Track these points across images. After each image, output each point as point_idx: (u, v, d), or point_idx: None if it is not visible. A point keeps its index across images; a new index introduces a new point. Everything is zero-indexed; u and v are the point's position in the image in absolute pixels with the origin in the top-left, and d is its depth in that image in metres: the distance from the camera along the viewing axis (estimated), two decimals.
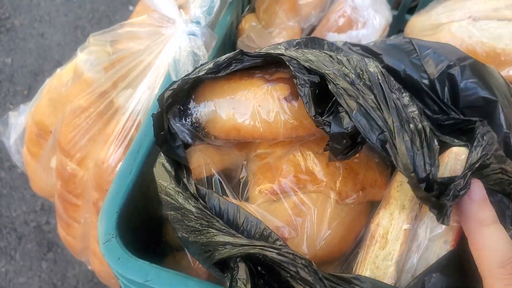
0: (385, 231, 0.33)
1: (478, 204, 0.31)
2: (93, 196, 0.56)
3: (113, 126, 0.54)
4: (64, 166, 0.58)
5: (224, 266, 0.33)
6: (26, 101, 0.71)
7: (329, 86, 0.33)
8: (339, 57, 0.36)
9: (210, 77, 0.37)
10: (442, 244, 0.33)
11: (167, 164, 0.38)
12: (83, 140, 0.56)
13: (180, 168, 0.38)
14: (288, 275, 0.30)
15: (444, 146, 0.34)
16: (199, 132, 0.39)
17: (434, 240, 0.33)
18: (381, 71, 0.35)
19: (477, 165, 0.31)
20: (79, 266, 1.08)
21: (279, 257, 0.30)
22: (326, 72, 0.34)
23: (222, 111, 0.38)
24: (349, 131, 0.32)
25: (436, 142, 0.32)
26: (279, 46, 0.39)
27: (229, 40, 0.64)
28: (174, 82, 0.37)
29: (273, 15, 0.63)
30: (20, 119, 0.68)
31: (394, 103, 0.32)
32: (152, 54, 0.52)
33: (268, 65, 0.38)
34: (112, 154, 0.53)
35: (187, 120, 0.38)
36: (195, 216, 0.34)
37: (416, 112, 0.32)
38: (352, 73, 0.34)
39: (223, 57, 0.37)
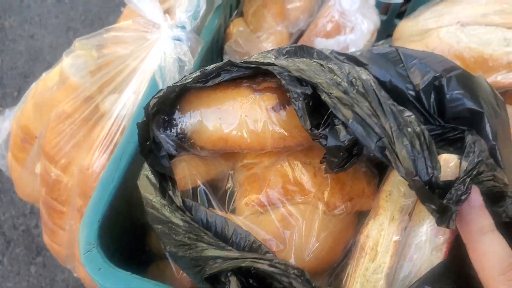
0: (375, 242, 0.33)
1: (477, 211, 0.31)
2: (78, 202, 0.56)
3: (98, 131, 0.54)
4: (49, 172, 0.57)
5: (215, 280, 0.33)
6: (16, 103, 0.69)
7: (322, 97, 0.32)
8: (330, 65, 0.36)
9: (197, 86, 0.36)
10: (434, 253, 0.32)
11: (151, 176, 0.38)
12: (67, 146, 0.56)
13: (165, 179, 0.38)
14: (281, 286, 0.30)
15: None
16: (185, 142, 0.38)
17: (426, 250, 0.33)
18: (373, 79, 0.35)
19: (474, 172, 0.31)
20: (68, 270, 1.06)
21: (271, 269, 0.30)
22: (318, 81, 0.33)
23: (208, 122, 0.37)
24: (346, 144, 0.32)
25: (434, 145, 0.31)
26: (268, 55, 0.38)
27: (216, 45, 0.63)
28: (160, 90, 0.36)
29: (262, 20, 0.63)
30: (5, 123, 0.67)
31: (390, 108, 0.32)
32: (137, 59, 0.52)
33: (256, 73, 0.38)
34: (96, 160, 0.53)
35: (172, 131, 0.38)
36: (183, 230, 0.34)
37: (413, 116, 0.32)
38: (345, 81, 0.33)
39: (211, 66, 0.37)
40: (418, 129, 0.31)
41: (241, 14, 0.67)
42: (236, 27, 0.63)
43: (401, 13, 0.77)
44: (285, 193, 0.37)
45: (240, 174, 0.41)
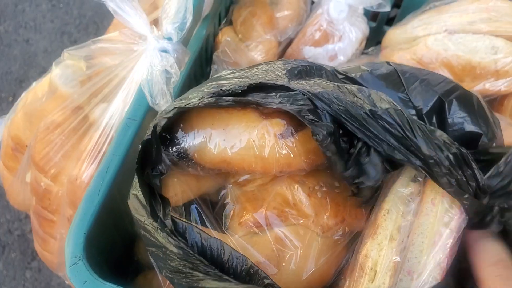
0: (374, 263, 0.33)
1: None
2: (68, 212, 0.56)
3: (86, 142, 0.54)
4: (39, 182, 0.57)
5: None
6: (11, 108, 0.69)
7: (356, 132, 0.33)
8: (348, 87, 0.35)
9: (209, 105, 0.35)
10: (434, 268, 0.33)
11: (141, 196, 0.37)
12: (57, 156, 0.56)
13: (154, 199, 0.37)
14: None
15: None
16: (185, 162, 0.37)
17: (425, 266, 0.33)
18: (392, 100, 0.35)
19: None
20: (63, 275, 1.07)
21: None
22: (344, 111, 0.33)
23: (212, 143, 0.36)
24: (379, 183, 0.33)
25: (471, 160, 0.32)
26: (279, 74, 0.37)
27: (205, 54, 0.63)
28: (169, 110, 0.35)
29: (250, 28, 0.63)
30: None
31: (419, 128, 0.32)
32: (125, 70, 0.52)
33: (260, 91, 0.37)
34: (85, 171, 0.53)
35: (173, 149, 0.37)
36: (177, 257, 0.33)
37: (445, 135, 0.32)
38: (367, 103, 0.33)
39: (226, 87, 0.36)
40: (453, 149, 0.31)
41: (230, 23, 0.67)
42: (225, 36, 0.63)
43: (391, 19, 0.77)
44: (281, 214, 0.37)
45: (234, 191, 0.40)
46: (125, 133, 0.45)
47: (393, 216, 0.34)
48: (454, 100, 0.40)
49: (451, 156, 0.31)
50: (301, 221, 0.36)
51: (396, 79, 0.42)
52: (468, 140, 0.39)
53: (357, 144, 0.34)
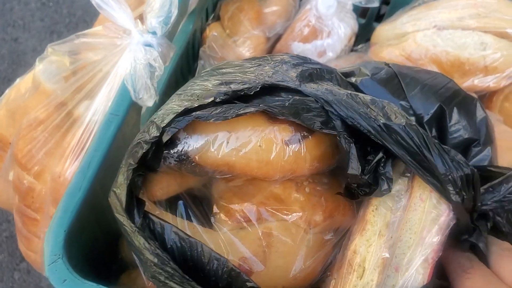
0: (362, 259, 0.32)
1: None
2: (51, 210, 0.55)
3: (69, 138, 0.53)
4: (21, 180, 0.56)
5: None
6: None
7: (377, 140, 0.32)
8: (361, 97, 0.34)
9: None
10: (421, 263, 0.32)
11: (120, 195, 0.35)
12: (40, 153, 0.55)
13: (135, 200, 0.35)
14: None
15: None
16: (184, 163, 0.35)
17: (413, 261, 0.32)
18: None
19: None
20: None
21: None
22: (358, 123, 0.32)
23: (216, 146, 0.34)
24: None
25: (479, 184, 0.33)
26: (289, 75, 0.36)
27: (192, 49, 0.63)
28: (180, 119, 0.33)
29: (238, 24, 0.62)
30: None
31: (436, 147, 0.32)
32: (108, 64, 0.51)
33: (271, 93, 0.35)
34: (68, 168, 0.52)
35: (173, 151, 0.35)
36: (154, 265, 0.32)
37: (459, 156, 0.32)
38: (381, 115, 0.32)
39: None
40: (467, 170, 0.31)
41: (218, 18, 0.66)
42: (213, 31, 0.63)
43: (381, 16, 0.77)
44: (268, 209, 0.36)
45: (220, 185, 0.39)
46: (107, 128, 0.44)
47: (382, 212, 0.33)
48: (455, 107, 0.41)
49: (464, 177, 0.31)
50: (289, 217, 0.36)
51: (396, 84, 0.42)
52: (465, 145, 0.40)
53: (377, 152, 0.33)
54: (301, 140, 0.34)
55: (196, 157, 0.34)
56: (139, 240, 0.33)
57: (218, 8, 0.66)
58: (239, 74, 0.35)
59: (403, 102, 0.40)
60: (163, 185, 0.37)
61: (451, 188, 0.31)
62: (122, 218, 0.35)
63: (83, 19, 1.54)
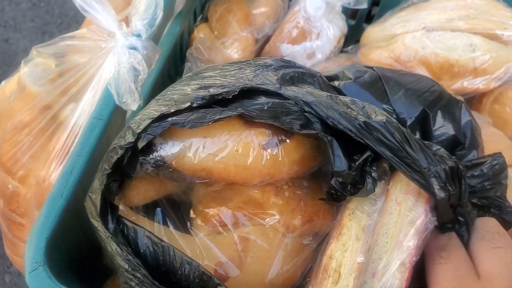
0: (338, 264, 0.31)
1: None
2: (36, 215, 0.54)
3: (54, 142, 0.52)
4: (6, 184, 0.56)
5: None
6: None
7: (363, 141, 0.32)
8: (341, 98, 0.34)
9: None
10: (398, 268, 0.32)
11: (95, 199, 0.35)
12: (25, 157, 0.54)
13: (109, 206, 0.35)
14: None
15: None
16: (161, 169, 0.35)
17: (390, 266, 0.32)
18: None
19: None
20: None
21: None
22: (338, 122, 0.32)
23: (193, 152, 0.34)
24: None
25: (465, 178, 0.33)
26: (270, 78, 0.36)
27: (180, 51, 0.62)
28: (156, 125, 0.32)
29: (226, 25, 0.62)
30: None
31: (417, 142, 0.31)
32: (93, 67, 0.50)
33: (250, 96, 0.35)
34: (53, 172, 0.51)
35: (149, 157, 0.34)
36: (125, 271, 0.32)
37: (442, 149, 0.32)
38: (361, 114, 0.32)
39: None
40: (451, 163, 0.31)
41: (206, 20, 0.66)
42: (201, 33, 0.62)
43: (372, 17, 0.77)
44: (246, 214, 0.36)
45: (198, 190, 0.39)
46: (90, 133, 0.44)
47: (358, 215, 0.33)
48: (439, 111, 0.40)
49: (448, 170, 0.31)
50: (266, 221, 0.35)
51: (380, 88, 0.41)
52: (450, 149, 0.39)
53: (362, 152, 0.33)
54: (278, 144, 0.34)
55: (173, 163, 0.34)
56: (111, 246, 0.33)
57: (206, 9, 0.66)
58: (219, 78, 0.35)
59: (386, 106, 0.40)
60: (140, 191, 0.37)
61: (435, 183, 0.31)
62: (96, 223, 0.34)
63: (75, 19, 1.53)
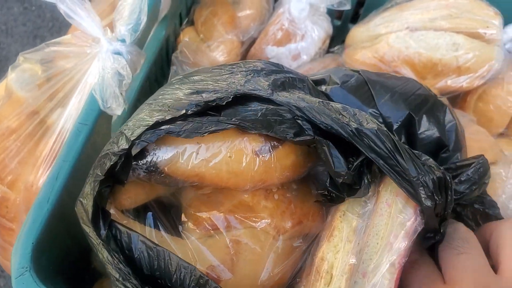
0: (330, 265, 0.32)
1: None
2: (25, 220, 0.55)
3: (42, 147, 0.52)
4: None
5: None
6: None
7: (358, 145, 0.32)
8: (333, 104, 0.35)
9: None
10: (388, 268, 0.32)
11: (86, 205, 0.35)
12: (13, 163, 0.54)
13: (101, 212, 0.35)
14: None
15: None
16: (153, 175, 0.35)
17: (380, 267, 0.32)
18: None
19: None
20: None
21: None
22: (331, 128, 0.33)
23: (185, 157, 0.34)
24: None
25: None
26: (261, 84, 0.36)
27: (166, 55, 0.63)
28: (151, 132, 0.32)
29: (212, 28, 0.62)
30: None
31: (407, 152, 0.32)
32: (79, 73, 0.51)
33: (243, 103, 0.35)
34: (41, 177, 0.52)
35: (141, 162, 0.34)
36: (116, 280, 0.32)
37: (431, 160, 0.33)
38: (353, 121, 0.33)
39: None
40: (439, 173, 0.32)
41: (192, 23, 0.66)
42: (187, 36, 0.63)
43: (358, 17, 0.77)
44: (237, 217, 0.36)
45: (188, 192, 0.39)
46: (76, 138, 0.44)
47: (349, 217, 0.33)
48: (424, 115, 0.41)
49: (436, 180, 0.32)
50: (257, 224, 0.36)
51: (366, 92, 0.42)
52: (434, 152, 0.41)
53: (357, 156, 0.34)
54: (271, 150, 0.34)
55: (166, 168, 0.34)
56: (103, 254, 0.33)
57: (192, 13, 0.66)
58: (210, 82, 0.35)
59: (372, 110, 0.40)
60: (131, 194, 0.37)
61: (422, 192, 0.31)
62: (88, 229, 0.35)
63: (66, 23, 1.51)
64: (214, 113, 0.33)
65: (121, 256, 0.33)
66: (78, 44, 0.50)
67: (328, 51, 0.71)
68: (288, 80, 0.38)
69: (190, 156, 0.34)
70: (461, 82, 0.61)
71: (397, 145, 0.32)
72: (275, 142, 0.35)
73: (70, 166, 0.43)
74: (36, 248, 0.40)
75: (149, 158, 0.34)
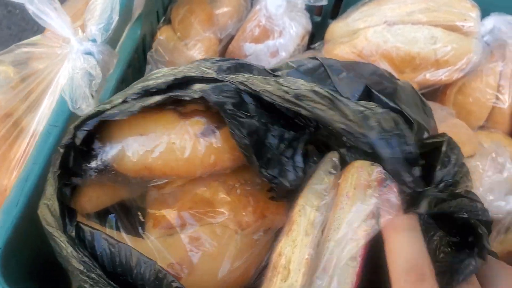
0: (288, 260, 0.31)
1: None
2: None
3: (15, 150, 0.52)
4: None
5: None
6: None
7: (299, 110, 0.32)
8: (274, 78, 0.35)
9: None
10: (349, 262, 0.32)
11: (52, 206, 0.35)
12: None
13: (66, 209, 0.36)
14: None
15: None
16: (105, 174, 0.35)
17: (341, 260, 0.32)
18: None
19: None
20: None
21: None
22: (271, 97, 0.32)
23: (131, 151, 0.34)
24: (294, 187, 0.33)
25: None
26: (209, 71, 0.36)
27: (143, 54, 0.62)
28: (88, 118, 0.33)
29: (189, 26, 0.62)
30: None
31: (344, 101, 0.32)
32: (50, 74, 0.50)
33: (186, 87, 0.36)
34: (14, 180, 0.51)
35: (91, 162, 0.35)
36: (79, 273, 0.32)
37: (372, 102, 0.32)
38: (293, 88, 0.33)
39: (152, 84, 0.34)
40: (380, 110, 0.31)
41: (169, 21, 0.66)
42: (164, 35, 0.62)
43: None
44: (195, 214, 0.36)
45: (151, 194, 0.39)
46: (46, 140, 0.43)
47: (307, 211, 0.33)
48: (384, 91, 0.38)
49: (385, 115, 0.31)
50: (218, 220, 0.36)
51: (322, 72, 0.40)
52: None
53: (283, 141, 0.33)
54: (215, 131, 0.34)
55: (114, 165, 0.34)
56: (67, 249, 0.33)
57: (169, 11, 0.65)
58: (159, 78, 0.35)
59: (328, 88, 0.37)
60: (92, 197, 0.37)
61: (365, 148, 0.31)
62: (52, 229, 0.35)
63: None
64: None
65: (86, 251, 0.33)
66: (49, 44, 0.50)
67: (309, 48, 0.70)
68: (236, 65, 0.38)
69: (135, 149, 0.34)
70: (440, 75, 0.61)
71: (335, 96, 0.32)
72: (218, 123, 0.34)
73: (40, 169, 0.42)
74: (4, 252, 0.39)
75: (97, 158, 0.35)
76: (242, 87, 0.32)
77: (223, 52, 0.65)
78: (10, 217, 0.40)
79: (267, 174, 0.33)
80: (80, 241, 0.34)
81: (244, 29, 0.63)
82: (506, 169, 0.53)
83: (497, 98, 0.63)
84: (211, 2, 0.64)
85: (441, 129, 0.56)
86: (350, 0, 0.69)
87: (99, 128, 0.35)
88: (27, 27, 1.51)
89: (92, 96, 0.45)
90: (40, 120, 0.51)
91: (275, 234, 0.38)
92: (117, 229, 0.37)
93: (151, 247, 0.35)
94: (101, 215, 0.38)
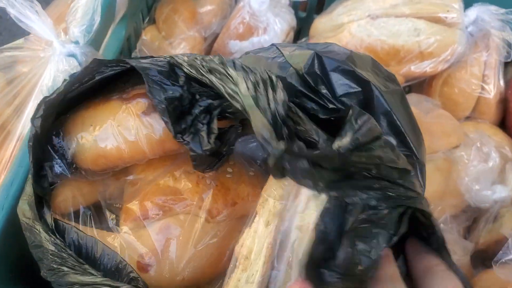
0: (249, 251, 0.31)
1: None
2: None
3: (2, 154, 0.52)
4: None
5: None
6: None
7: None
8: (211, 56, 0.35)
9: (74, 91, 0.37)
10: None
11: (30, 200, 0.37)
12: None
13: (44, 203, 0.38)
14: None
15: None
16: (69, 168, 0.38)
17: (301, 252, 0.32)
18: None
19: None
20: None
21: None
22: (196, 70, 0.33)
23: (84, 141, 0.37)
24: (208, 153, 0.32)
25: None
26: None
27: (129, 54, 0.62)
28: (39, 106, 0.36)
29: (173, 25, 0.62)
30: None
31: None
32: (34, 77, 0.50)
33: (125, 84, 0.38)
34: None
35: (55, 159, 0.37)
36: (51, 254, 0.34)
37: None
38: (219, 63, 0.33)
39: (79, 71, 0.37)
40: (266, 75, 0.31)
41: (153, 21, 0.66)
42: (148, 35, 0.62)
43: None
44: (163, 205, 0.37)
45: (126, 190, 0.40)
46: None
47: (270, 202, 0.32)
48: (333, 52, 0.35)
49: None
50: (186, 209, 0.36)
51: (274, 51, 0.39)
52: (361, 92, 0.33)
53: (204, 109, 0.34)
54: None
55: (75, 159, 0.37)
56: (40, 235, 0.35)
57: (153, 11, 0.66)
58: None
59: (280, 60, 0.35)
60: (67, 197, 0.38)
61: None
62: (27, 220, 0.36)
63: None
64: None
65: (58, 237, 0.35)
66: (32, 48, 0.50)
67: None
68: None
69: (87, 139, 0.37)
70: (424, 67, 0.61)
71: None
72: None
73: (26, 172, 0.42)
74: None
75: (59, 153, 0.38)
76: (172, 61, 0.33)
77: (208, 50, 0.65)
78: None
79: (182, 139, 0.33)
80: (53, 230, 0.36)
81: (229, 26, 0.63)
82: (491, 158, 0.53)
83: (483, 88, 0.64)
84: (195, 0, 0.64)
85: (427, 120, 0.56)
86: None
87: (58, 126, 0.38)
88: (18, 32, 1.51)
89: None
90: (25, 123, 0.51)
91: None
92: (90, 224, 0.38)
93: (121, 240, 0.36)
94: (75, 213, 0.39)
